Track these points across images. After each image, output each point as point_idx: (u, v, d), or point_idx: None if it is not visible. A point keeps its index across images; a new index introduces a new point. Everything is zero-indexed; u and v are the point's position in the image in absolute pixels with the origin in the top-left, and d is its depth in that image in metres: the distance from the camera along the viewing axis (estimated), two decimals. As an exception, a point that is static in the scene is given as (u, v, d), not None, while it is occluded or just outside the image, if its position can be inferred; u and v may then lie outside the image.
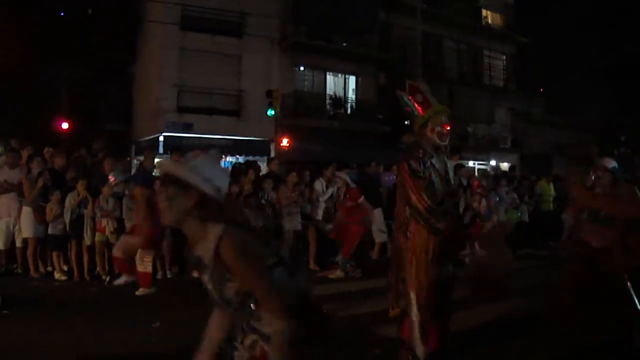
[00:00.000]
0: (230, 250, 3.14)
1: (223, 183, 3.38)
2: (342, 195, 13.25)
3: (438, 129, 6.09)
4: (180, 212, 3.27)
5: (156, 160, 16.37)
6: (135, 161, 24.74)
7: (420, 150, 6.05)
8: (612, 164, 7.44)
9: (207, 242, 3.23)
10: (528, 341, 7.37)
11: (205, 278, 3.38)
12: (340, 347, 5.73)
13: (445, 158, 6.31)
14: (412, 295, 5.83)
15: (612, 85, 39.29)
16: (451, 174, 6.34)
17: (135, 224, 10.94)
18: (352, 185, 13.32)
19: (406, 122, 29.24)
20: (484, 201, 14.27)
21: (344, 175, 13.46)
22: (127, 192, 12.25)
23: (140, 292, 10.33)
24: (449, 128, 6.12)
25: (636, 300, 6.18)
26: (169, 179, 3.31)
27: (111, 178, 12.40)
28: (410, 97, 6.33)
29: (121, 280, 10.82)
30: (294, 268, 3.48)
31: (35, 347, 7.12)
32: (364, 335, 7.59)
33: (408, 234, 5.94)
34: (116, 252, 10.66)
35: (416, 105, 6.28)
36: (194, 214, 3.27)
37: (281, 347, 3.16)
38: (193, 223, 3.30)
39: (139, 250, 10.31)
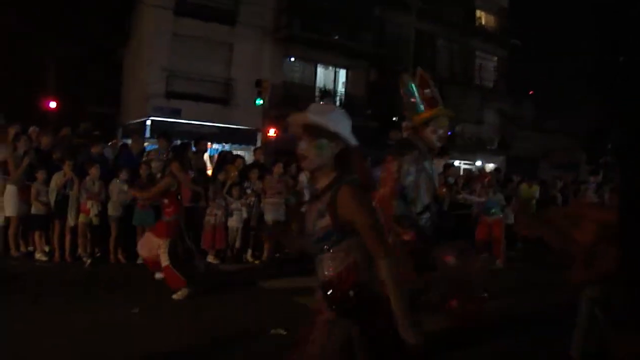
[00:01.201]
0: (349, 197, 3.39)
1: (346, 130, 3.56)
2: None
3: (440, 132, 5.87)
4: (327, 159, 3.54)
5: (145, 144, 16.36)
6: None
7: (417, 151, 5.84)
8: (597, 180, 7.40)
9: (329, 182, 3.54)
10: (507, 342, 7.41)
11: (310, 212, 3.63)
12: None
13: (432, 161, 6.09)
14: None
15: (601, 93, 39.38)
16: (436, 177, 6.18)
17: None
18: None
19: (394, 119, 29.30)
20: (479, 189, 14.40)
21: None
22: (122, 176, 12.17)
23: (178, 295, 9.39)
24: (449, 134, 5.89)
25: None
26: (316, 129, 3.51)
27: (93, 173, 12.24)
28: (420, 88, 6.01)
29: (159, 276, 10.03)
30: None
31: (11, 328, 7.09)
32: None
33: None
34: (142, 252, 10.24)
35: (423, 99, 5.96)
36: (333, 162, 3.54)
37: (393, 282, 3.30)
38: (329, 169, 3.56)
39: (161, 242, 9.72)
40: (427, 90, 5.95)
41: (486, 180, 14.75)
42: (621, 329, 4.01)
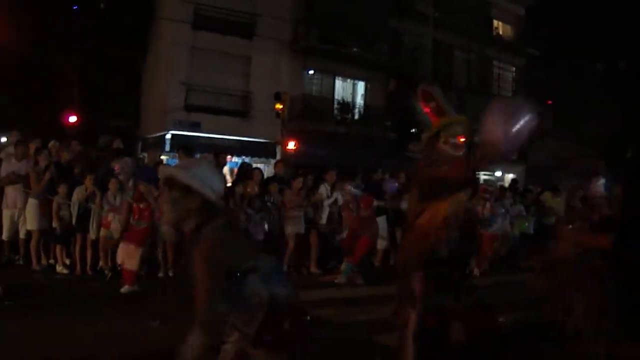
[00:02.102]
0: (198, 251, 3.44)
1: (219, 187, 3.72)
2: (352, 209, 13.18)
3: (452, 140, 5.48)
4: (182, 214, 3.61)
5: (162, 157, 16.41)
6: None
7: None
8: (600, 181, 7.30)
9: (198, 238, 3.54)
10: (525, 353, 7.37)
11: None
12: (339, 354, 5.72)
13: None
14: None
15: (619, 101, 39.19)
16: None
17: (129, 226, 11.07)
18: (359, 194, 13.29)
19: (413, 130, 29.29)
20: (487, 206, 14.34)
21: (351, 189, 13.39)
22: (130, 185, 12.26)
23: (125, 289, 10.34)
24: (463, 140, 5.52)
25: None
26: (172, 183, 3.60)
27: (117, 166, 12.42)
28: (422, 104, 5.62)
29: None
30: (271, 275, 3.70)
31: (32, 340, 7.13)
32: (363, 343, 7.56)
33: None
34: (120, 261, 10.64)
35: (429, 114, 5.61)
36: (193, 216, 3.58)
37: (190, 349, 3.47)
38: (191, 223, 3.60)
39: (129, 246, 10.41)
40: (431, 103, 5.63)
41: (484, 192, 14.67)
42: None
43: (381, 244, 14.60)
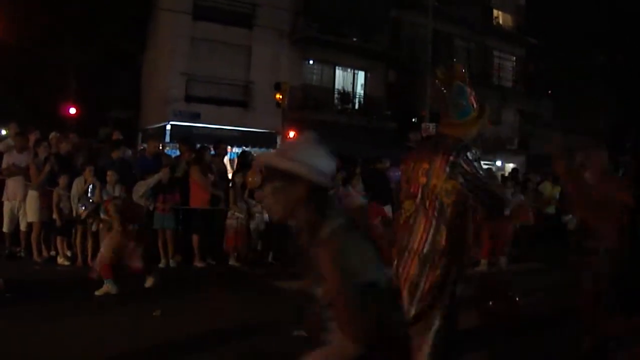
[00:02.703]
0: (325, 259, 2.79)
1: (329, 168, 2.99)
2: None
3: (484, 133, 5.49)
4: (288, 205, 2.98)
5: (166, 148, 16.42)
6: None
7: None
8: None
9: (315, 237, 2.91)
10: (525, 343, 7.39)
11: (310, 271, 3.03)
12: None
13: None
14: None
15: (620, 91, 39.16)
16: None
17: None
18: (365, 204, 13.21)
19: (413, 120, 29.23)
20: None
21: (356, 198, 13.26)
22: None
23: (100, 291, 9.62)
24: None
25: None
26: (271, 171, 3.00)
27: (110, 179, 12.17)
28: (469, 88, 5.34)
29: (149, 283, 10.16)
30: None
31: (35, 331, 7.14)
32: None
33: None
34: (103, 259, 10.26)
35: (473, 101, 5.30)
36: (302, 206, 2.95)
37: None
38: (302, 214, 2.98)
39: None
40: (473, 91, 5.38)
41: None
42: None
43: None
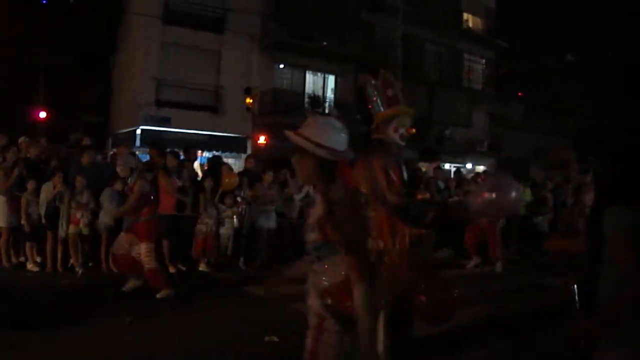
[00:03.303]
0: (341, 215, 3.44)
1: (339, 144, 3.60)
2: None
3: (402, 130, 5.90)
4: (304, 175, 3.75)
5: (136, 153, 16.35)
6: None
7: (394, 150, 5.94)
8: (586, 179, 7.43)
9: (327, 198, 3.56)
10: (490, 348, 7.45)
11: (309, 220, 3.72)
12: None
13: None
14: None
15: (590, 92, 39.51)
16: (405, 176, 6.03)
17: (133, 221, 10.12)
18: None
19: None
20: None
21: None
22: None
23: (161, 294, 9.73)
24: (413, 131, 5.98)
25: None
26: (294, 146, 3.65)
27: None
28: (381, 88, 6.05)
29: (129, 285, 10.04)
30: None
31: (3, 341, 7.07)
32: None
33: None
34: (116, 250, 10.16)
35: (385, 98, 6.01)
36: (315, 174, 3.63)
37: (362, 307, 3.31)
38: (316, 180, 3.68)
39: (142, 245, 9.78)
40: (389, 90, 6.02)
41: (480, 180, 14.73)
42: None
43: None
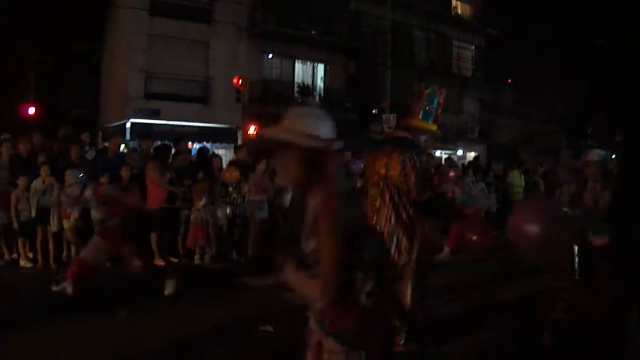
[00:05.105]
0: (324, 216, 3.00)
1: (324, 132, 3.19)
2: None
3: (428, 144, 6.83)
4: (289, 170, 3.23)
5: (122, 146, 16.29)
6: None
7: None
8: (597, 154, 7.47)
9: (316, 196, 3.13)
10: (486, 333, 7.45)
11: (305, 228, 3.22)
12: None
13: None
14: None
15: (580, 78, 39.51)
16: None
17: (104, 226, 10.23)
18: None
19: (373, 111, 29.26)
20: (457, 189, 14.35)
21: None
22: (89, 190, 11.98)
23: (168, 290, 9.57)
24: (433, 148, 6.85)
25: None
26: (272, 145, 3.25)
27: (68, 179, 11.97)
28: (441, 103, 6.73)
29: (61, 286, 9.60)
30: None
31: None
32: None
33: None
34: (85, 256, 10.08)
35: (436, 116, 6.71)
36: (300, 167, 3.18)
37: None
38: (302, 174, 3.20)
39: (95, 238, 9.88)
40: (440, 109, 6.75)
41: (450, 176, 14.53)
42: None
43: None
